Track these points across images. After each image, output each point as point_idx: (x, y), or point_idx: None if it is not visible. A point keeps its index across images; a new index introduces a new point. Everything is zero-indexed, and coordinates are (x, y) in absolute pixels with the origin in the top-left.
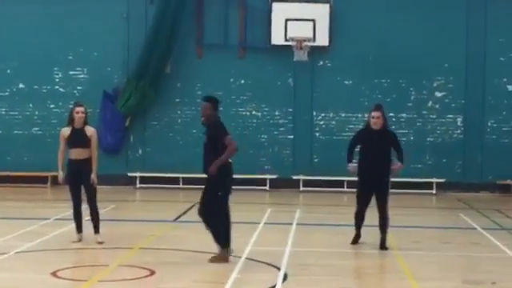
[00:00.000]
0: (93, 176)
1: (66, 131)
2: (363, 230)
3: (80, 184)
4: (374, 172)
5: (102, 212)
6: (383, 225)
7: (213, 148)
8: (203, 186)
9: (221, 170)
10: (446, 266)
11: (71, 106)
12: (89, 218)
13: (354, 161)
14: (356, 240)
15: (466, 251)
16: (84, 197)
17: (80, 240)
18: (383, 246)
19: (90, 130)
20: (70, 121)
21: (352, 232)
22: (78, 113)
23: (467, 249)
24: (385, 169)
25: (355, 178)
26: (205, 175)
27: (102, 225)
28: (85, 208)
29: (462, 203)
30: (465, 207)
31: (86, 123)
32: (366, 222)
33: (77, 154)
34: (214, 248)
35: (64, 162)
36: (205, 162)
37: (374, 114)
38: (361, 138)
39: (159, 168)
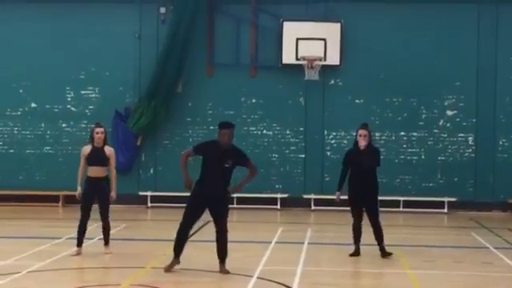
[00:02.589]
0: (112, 193)
1: (86, 149)
2: (371, 249)
3: (94, 201)
4: (363, 190)
5: (114, 231)
6: (378, 236)
7: (231, 171)
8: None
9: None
10: (459, 286)
11: (83, 126)
12: (100, 236)
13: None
14: (355, 254)
15: (478, 271)
16: (94, 214)
17: (79, 254)
18: (384, 254)
19: (108, 150)
20: (91, 140)
21: (363, 250)
22: (97, 133)
23: (480, 268)
24: (373, 185)
25: None
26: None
27: (113, 244)
28: (95, 226)
29: (474, 222)
30: (477, 226)
31: (105, 143)
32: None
33: (95, 172)
34: (230, 266)
35: (83, 178)
36: (221, 185)
37: (361, 132)
38: (350, 158)
39: (170, 187)
